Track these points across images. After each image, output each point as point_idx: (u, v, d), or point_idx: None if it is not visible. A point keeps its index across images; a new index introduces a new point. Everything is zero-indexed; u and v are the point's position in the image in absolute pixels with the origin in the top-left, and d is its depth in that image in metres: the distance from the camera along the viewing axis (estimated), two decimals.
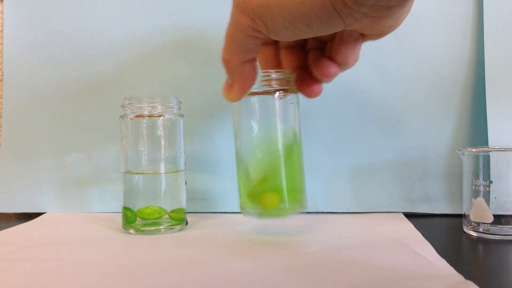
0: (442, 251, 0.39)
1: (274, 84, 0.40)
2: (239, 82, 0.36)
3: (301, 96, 0.41)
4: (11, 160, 0.60)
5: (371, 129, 0.58)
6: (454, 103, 0.58)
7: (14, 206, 0.60)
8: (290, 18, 0.29)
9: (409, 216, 0.55)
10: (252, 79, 0.36)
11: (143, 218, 0.49)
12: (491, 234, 0.45)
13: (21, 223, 0.54)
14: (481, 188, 0.46)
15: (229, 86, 0.37)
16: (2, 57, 0.62)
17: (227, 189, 0.58)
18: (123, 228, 0.49)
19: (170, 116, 0.49)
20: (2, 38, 0.62)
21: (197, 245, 0.43)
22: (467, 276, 0.33)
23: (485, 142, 0.56)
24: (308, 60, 0.39)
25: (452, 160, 0.57)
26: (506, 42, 0.56)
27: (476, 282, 0.32)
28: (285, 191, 0.41)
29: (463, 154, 0.48)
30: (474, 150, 0.47)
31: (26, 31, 0.61)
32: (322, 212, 0.58)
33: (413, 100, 0.58)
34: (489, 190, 0.46)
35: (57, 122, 0.60)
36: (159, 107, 0.49)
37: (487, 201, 0.46)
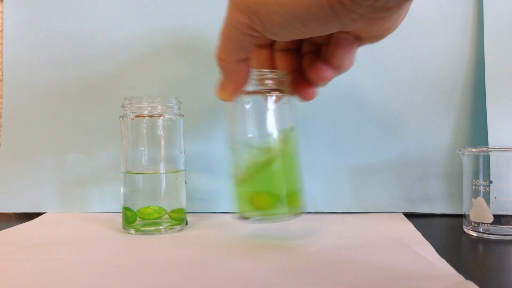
0: (442, 251, 0.39)
1: (269, 84, 0.40)
2: (233, 81, 0.36)
3: (301, 101, 0.40)
4: (11, 160, 0.60)
5: (371, 129, 0.58)
6: (454, 103, 0.58)
7: (14, 206, 0.60)
8: (287, 17, 0.29)
9: (409, 216, 0.55)
10: (246, 78, 0.36)
11: (143, 218, 0.49)
12: (491, 234, 0.45)
13: (21, 223, 0.54)
14: (481, 188, 0.46)
15: (222, 85, 0.37)
16: (2, 57, 0.62)
17: (227, 189, 0.58)
18: (123, 228, 0.49)
19: (170, 116, 0.49)
20: (2, 38, 0.62)
21: (197, 245, 0.43)
22: (467, 276, 0.33)
23: (485, 142, 0.56)
24: (303, 63, 0.39)
25: (452, 160, 0.57)
26: (506, 42, 0.56)
27: (476, 282, 0.32)
28: (281, 194, 0.40)
29: (463, 154, 0.48)
30: (474, 150, 0.47)
31: (26, 31, 0.61)
32: (322, 212, 0.58)
33: (413, 100, 0.58)
34: (489, 190, 0.46)
35: (57, 122, 0.60)
36: (159, 107, 0.49)
37: (487, 201, 0.46)
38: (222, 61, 0.35)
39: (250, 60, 0.36)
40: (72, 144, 0.60)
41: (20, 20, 0.61)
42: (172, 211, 0.49)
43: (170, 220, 0.49)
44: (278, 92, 0.40)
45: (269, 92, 0.40)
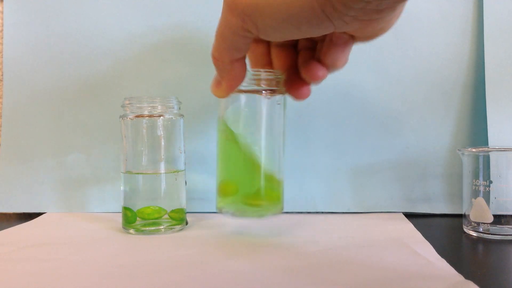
0: (442, 251, 0.39)
1: (263, 84, 0.40)
2: (227, 80, 0.36)
3: (294, 100, 0.41)
4: (11, 160, 0.60)
5: (371, 129, 0.58)
6: (454, 103, 0.58)
7: (14, 206, 0.60)
8: (280, 20, 0.29)
9: (409, 216, 0.55)
10: (240, 78, 0.37)
11: (143, 218, 0.49)
12: (491, 234, 0.45)
13: (21, 223, 0.54)
14: (481, 188, 0.46)
15: (217, 83, 0.37)
16: (2, 57, 0.62)
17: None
18: (123, 228, 0.49)
19: (170, 116, 0.49)
20: (2, 38, 0.62)
21: (197, 245, 0.43)
22: (467, 276, 0.33)
23: (485, 142, 0.56)
24: (298, 60, 0.39)
25: (452, 160, 0.57)
26: (506, 42, 0.56)
27: (476, 282, 0.32)
28: (263, 192, 0.41)
29: (463, 154, 0.48)
30: (474, 150, 0.47)
31: (26, 31, 0.61)
32: (322, 212, 0.58)
33: (413, 100, 0.58)
34: (489, 190, 0.46)
35: (57, 122, 0.60)
36: (159, 107, 0.49)
37: (487, 201, 0.46)
38: (216, 60, 0.35)
39: (247, 56, 0.36)
40: (72, 144, 0.60)
41: (20, 20, 0.61)
42: (172, 211, 0.49)
43: (170, 220, 0.49)
44: (272, 92, 0.40)
45: (262, 92, 0.40)
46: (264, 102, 0.41)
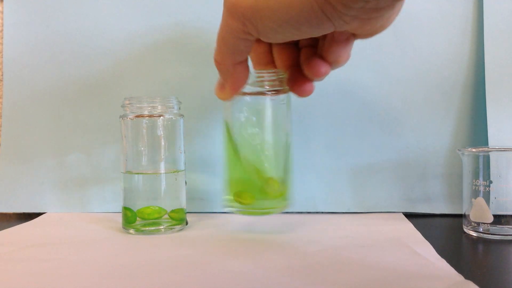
0: (442, 251, 0.39)
1: (267, 85, 0.40)
2: (230, 83, 0.37)
3: (298, 97, 0.41)
4: (11, 160, 0.60)
5: (371, 129, 0.58)
6: (454, 103, 0.58)
7: (14, 206, 0.60)
8: (280, 22, 0.30)
9: (409, 216, 0.55)
10: (243, 80, 0.37)
11: (143, 218, 0.49)
12: (491, 234, 0.45)
13: (21, 223, 0.54)
14: (481, 188, 0.46)
15: (221, 86, 0.38)
16: (2, 57, 0.62)
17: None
18: (123, 228, 0.49)
19: (170, 116, 0.49)
20: (2, 38, 0.62)
21: (197, 245, 0.43)
22: (467, 276, 0.33)
23: (485, 142, 0.56)
24: (300, 58, 0.39)
25: (452, 160, 0.57)
26: (506, 42, 0.56)
27: (476, 282, 0.32)
28: (270, 189, 0.41)
29: (463, 154, 0.48)
30: (474, 150, 0.47)
31: (26, 31, 0.61)
32: (322, 212, 0.58)
33: (413, 100, 0.58)
34: (489, 190, 0.46)
35: (57, 122, 0.60)
36: (159, 107, 0.49)
37: (487, 201, 0.46)
38: (219, 64, 0.35)
39: (249, 55, 0.36)
40: (72, 144, 0.60)
41: (20, 20, 0.61)
42: (172, 211, 0.49)
43: (170, 220, 0.49)
44: (275, 92, 0.40)
45: (266, 93, 0.40)
46: (268, 102, 0.41)
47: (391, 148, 0.58)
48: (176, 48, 0.59)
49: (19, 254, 0.41)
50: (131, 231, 0.48)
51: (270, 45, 0.40)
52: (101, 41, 0.60)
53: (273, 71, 0.40)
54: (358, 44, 0.36)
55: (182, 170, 0.50)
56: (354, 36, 0.35)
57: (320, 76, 0.37)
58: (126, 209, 0.49)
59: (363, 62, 0.58)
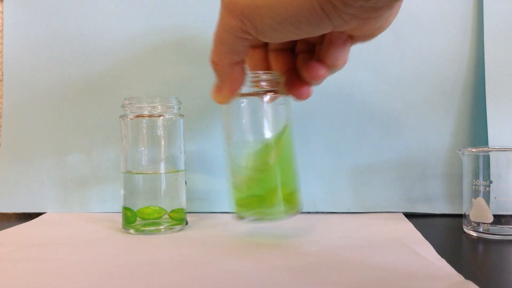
0: (442, 251, 0.39)
1: (264, 86, 0.40)
2: (228, 84, 0.36)
3: (296, 100, 0.40)
4: (11, 160, 0.60)
5: (371, 129, 0.58)
6: (454, 103, 0.58)
7: (14, 206, 0.60)
8: (279, 19, 0.29)
9: (409, 216, 0.55)
10: (241, 81, 0.36)
11: (143, 218, 0.49)
12: (491, 234, 0.45)
13: (21, 223, 0.54)
14: (481, 188, 0.46)
15: (218, 88, 0.37)
16: (2, 57, 0.62)
17: (227, 189, 0.58)
18: (123, 228, 0.49)
19: (170, 116, 0.49)
20: (2, 38, 0.62)
21: (197, 245, 0.43)
22: (467, 276, 0.33)
23: (485, 142, 0.56)
24: (297, 63, 0.39)
25: (452, 160, 0.57)
26: (506, 42, 0.56)
27: (476, 282, 0.32)
28: (277, 194, 0.40)
29: (463, 154, 0.48)
30: (474, 150, 0.47)
31: (26, 31, 0.61)
32: (322, 212, 0.58)
33: (413, 100, 0.58)
34: (489, 190, 0.46)
35: (57, 122, 0.60)
36: (159, 107, 0.49)
37: (487, 201, 0.46)
38: (216, 64, 0.35)
39: (245, 62, 0.36)
40: (72, 144, 0.60)
41: (20, 20, 0.61)
42: (172, 211, 0.49)
43: (170, 220, 0.49)
44: (273, 93, 0.40)
45: (264, 94, 0.40)
46: (266, 104, 0.40)
47: (391, 148, 0.58)
48: (176, 48, 0.59)
49: (19, 254, 0.41)
50: (131, 231, 0.48)
51: (266, 51, 0.40)
52: (101, 41, 0.60)
53: (269, 72, 0.40)
54: (358, 44, 0.36)
55: (182, 170, 0.50)
56: (352, 38, 0.35)
57: (318, 79, 0.36)
58: (126, 209, 0.49)
59: (363, 62, 0.58)
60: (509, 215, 0.45)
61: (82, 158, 0.60)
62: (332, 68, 0.36)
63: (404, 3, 0.31)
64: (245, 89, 0.38)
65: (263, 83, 0.40)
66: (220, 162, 0.58)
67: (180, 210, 0.50)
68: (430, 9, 0.58)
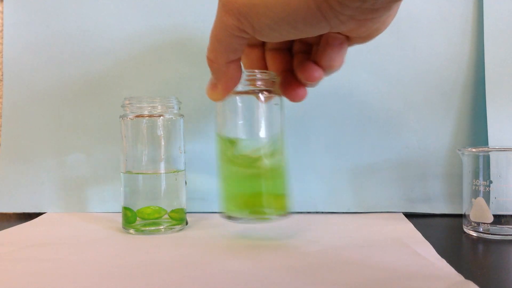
0: (442, 251, 0.39)
1: (259, 85, 0.40)
2: (223, 82, 0.36)
3: (291, 102, 0.40)
4: (11, 160, 0.60)
5: (371, 129, 0.58)
6: (454, 104, 0.58)
7: (14, 206, 0.60)
8: (276, 19, 0.29)
9: (409, 216, 0.55)
10: (236, 79, 0.36)
11: (143, 218, 0.49)
12: (491, 234, 0.45)
13: (21, 223, 0.54)
14: (481, 188, 0.46)
15: (213, 86, 0.37)
16: (2, 57, 0.62)
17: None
18: (123, 228, 0.49)
19: (170, 116, 0.49)
20: (2, 38, 0.62)
21: (197, 245, 0.43)
22: (467, 276, 0.33)
23: (485, 142, 0.56)
24: (293, 63, 0.39)
25: (452, 160, 0.57)
26: (506, 42, 0.56)
27: (476, 282, 0.32)
28: (268, 195, 0.40)
29: (463, 154, 0.48)
30: (474, 150, 0.47)
31: (26, 31, 0.61)
32: (322, 212, 0.58)
33: (413, 100, 0.58)
34: (489, 190, 0.46)
35: (57, 122, 0.60)
36: (159, 107, 0.49)
37: (487, 201, 0.46)
38: (212, 62, 0.35)
39: (242, 60, 0.36)
40: (72, 144, 0.60)
41: (20, 20, 0.61)
42: (172, 211, 0.49)
43: (170, 220, 0.49)
44: (268, 93, 0.40)
45: (259, 93, 0.40)
46: (261, 103, 0.40)
47: (391, 148, 0.58)
48: (176, 48, 0.59)
49: (19, 254, 0.41)
50: (131, 231, 0.48)
51: (263, 50, 0.40)
52: (101, 41, 0.60)
53: (265, 71, 0.40)
54: (354, 46, 0.36)
55: (182, 170, 0.50)
56: (349, 40, 0.35)
57: (313, 80, 0.36)
58: (126, 209, 0.49)
59: (363, 63, 0.58)
60: (509, 215, 0.45)
61: (82, 158, 0.60)
62: (328, 69, 0.36)
63: (404, 4, 0.31)
64: (240, 87, 0.38)
65: (259, 82, 0.39)
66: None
67: (180, 210, 0.50)
68: (430, 9, 0.58)
